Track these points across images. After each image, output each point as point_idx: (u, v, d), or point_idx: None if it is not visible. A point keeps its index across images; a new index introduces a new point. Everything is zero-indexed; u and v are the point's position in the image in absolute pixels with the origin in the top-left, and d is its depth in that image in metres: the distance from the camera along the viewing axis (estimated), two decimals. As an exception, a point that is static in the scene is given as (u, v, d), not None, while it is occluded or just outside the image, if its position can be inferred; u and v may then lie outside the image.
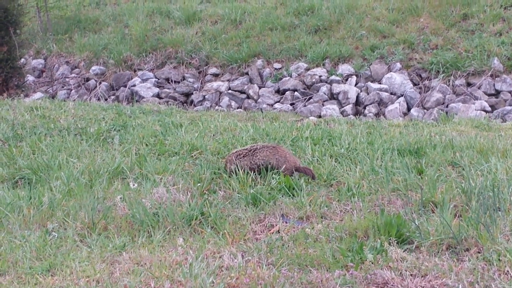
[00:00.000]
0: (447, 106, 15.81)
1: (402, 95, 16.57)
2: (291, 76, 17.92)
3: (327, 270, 4.94)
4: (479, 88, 16.17)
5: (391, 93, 16.76)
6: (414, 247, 5.26)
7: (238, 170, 7.08)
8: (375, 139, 8.84)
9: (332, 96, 17.13)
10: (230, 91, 18.21)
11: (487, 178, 6.59)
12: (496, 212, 5.67)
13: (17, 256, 5.44)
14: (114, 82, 19.53)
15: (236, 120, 10.95)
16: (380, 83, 17.15)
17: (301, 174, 7.10)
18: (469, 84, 16.45)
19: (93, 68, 20.22)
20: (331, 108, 16.40)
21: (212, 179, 7.21)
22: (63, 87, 20.17)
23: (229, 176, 7.13)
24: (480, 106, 15.43)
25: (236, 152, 7.34)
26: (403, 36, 18.13)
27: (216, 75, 19.00)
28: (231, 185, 6.95)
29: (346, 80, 17.50)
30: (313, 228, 5.75)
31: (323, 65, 18.04)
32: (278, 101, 17.47)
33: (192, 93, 18.62)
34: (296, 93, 17.37)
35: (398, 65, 17.33)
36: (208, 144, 8.54)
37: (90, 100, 18.28)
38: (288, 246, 5.43)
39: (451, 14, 18.65)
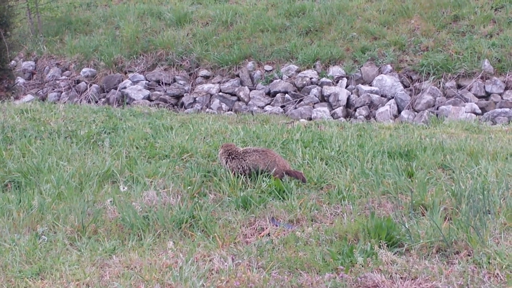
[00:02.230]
0: (437, 109, 15.85)
1: (392, 97, 16.61)
2: (281, 78, 17.93)
3: (317, 273, 4.95)
4: (469, 90, 16.21)
5: (382, 95, 16.79)
6: (404, 250, 5.27)
7: (228, 171, 7.11)
8: (365, 142, 8.84)
9: (323, 98, 17.15)
10: (220, 93, 18.20)
11: (477, 181, 6.62)
12: (486, 215, 5.68)
13: (6, 259, 5.41)
14: (105, 84, 19.50)
15: (227, 123, 10.95)
16: (370, 85, 17.18)
17: (291, 177, 7.09)
18: (459, 86, 16.48)
19: (83, 70, 20.18)
20: (322, 111, 16.40)
21: (203, 182, 7.19)
22: (53, 89, 20.12)
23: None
24: (471, 109, 15.47)
25: (230, 148, 7.30)
26: (394, 38, 18.16)
27: (207, 77, 18.99)
28: (222, 188, 6.94)
29: (337, 82, 17.52)
30: (303, 231, 5.75)
31: (314, 67, 18.06)
32: (269, 104, 17.46)
33: (182, 96, 18.60)
34: (286, 95, 17.37)
35: (389, 67, 17.35)
36: (199, 147, 8.52)
37: (80, 102, 18.23)
38: (278, 249, 5.42)
39: (442, 16, 18.70)
